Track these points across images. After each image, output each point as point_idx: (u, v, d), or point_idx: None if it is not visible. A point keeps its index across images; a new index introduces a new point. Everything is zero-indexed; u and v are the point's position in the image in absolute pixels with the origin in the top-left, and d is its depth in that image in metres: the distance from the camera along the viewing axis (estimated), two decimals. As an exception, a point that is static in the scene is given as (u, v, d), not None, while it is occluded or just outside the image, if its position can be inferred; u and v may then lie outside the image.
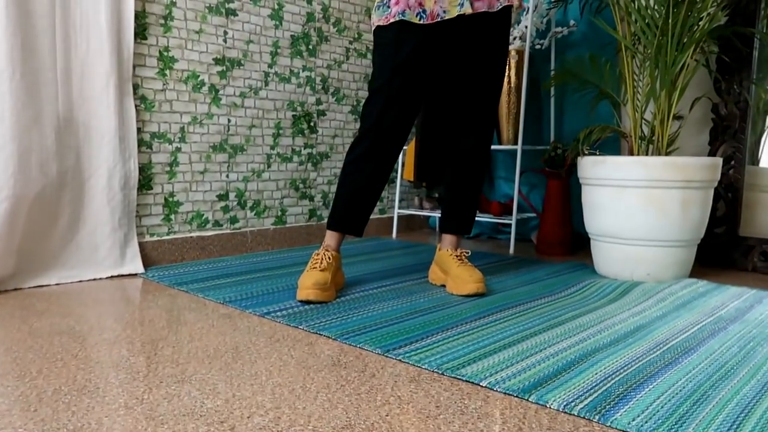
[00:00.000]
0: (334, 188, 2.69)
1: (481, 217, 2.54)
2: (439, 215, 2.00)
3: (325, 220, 2.58)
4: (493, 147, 2.58)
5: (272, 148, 2.44)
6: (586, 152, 1.95)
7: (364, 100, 1.87)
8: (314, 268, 1.59)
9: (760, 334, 1.33)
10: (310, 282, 1.54)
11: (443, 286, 1.76)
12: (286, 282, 1.81)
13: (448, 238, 1.80)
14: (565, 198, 2.38)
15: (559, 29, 2.48)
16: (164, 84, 2.09)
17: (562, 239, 2.39)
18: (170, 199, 2.14)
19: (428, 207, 2.87)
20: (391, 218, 2.94)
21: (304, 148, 2.56)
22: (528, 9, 2.45)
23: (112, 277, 1.91)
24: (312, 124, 2.58)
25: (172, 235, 2.15)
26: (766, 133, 2.18)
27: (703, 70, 2.13)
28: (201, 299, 1.63)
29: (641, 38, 1.90)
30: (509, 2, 1.66)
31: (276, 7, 2.39)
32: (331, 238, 1.68)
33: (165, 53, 2.09)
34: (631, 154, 1.96)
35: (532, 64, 2.62)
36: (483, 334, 1.30)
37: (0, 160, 1.64)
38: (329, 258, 1.61)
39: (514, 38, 2.50)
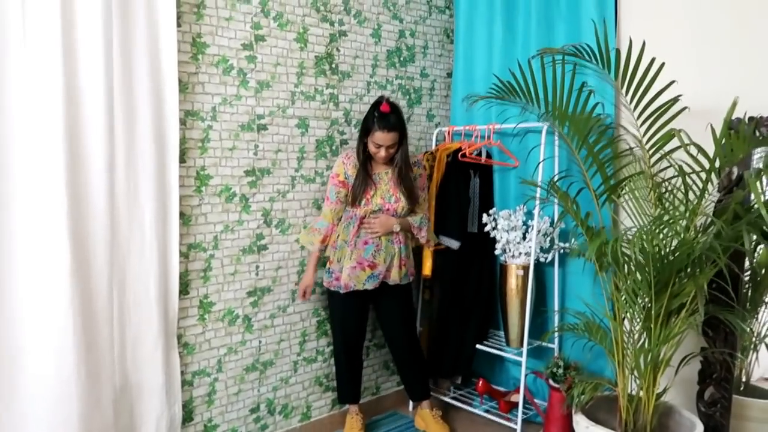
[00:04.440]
0: (355, 375, 2.92)
1: (490, 412, 2.78)
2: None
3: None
4: (499, 352, 2.82)
5: (299, 354, 2.70)
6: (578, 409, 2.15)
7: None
8: None
9: None
10: None
11: None
12: None
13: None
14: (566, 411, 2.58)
15: (561, 245, 2.68)
16: (204, 327, 2.38)
17: (563, 449, 2.59)
18: (208, 425, 2.42)
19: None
20: (409, 388, 3.17)
21: (328, 346, 2.81)
22: (533, 227, 2.66)
23: None
24: (335, 323, 2.83)
25: (210, 455, 2.43)
26: (750, 368, 2.35)
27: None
28: None
29: (626, 314, 2.11)
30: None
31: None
32: None
33: (204, 300, 2.37)
34: (620, 411, 2.16)
35: (538, 269, 2.81)
36: None
37: (68, 446, 1.95)
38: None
39: (520, 254, 2.72)
